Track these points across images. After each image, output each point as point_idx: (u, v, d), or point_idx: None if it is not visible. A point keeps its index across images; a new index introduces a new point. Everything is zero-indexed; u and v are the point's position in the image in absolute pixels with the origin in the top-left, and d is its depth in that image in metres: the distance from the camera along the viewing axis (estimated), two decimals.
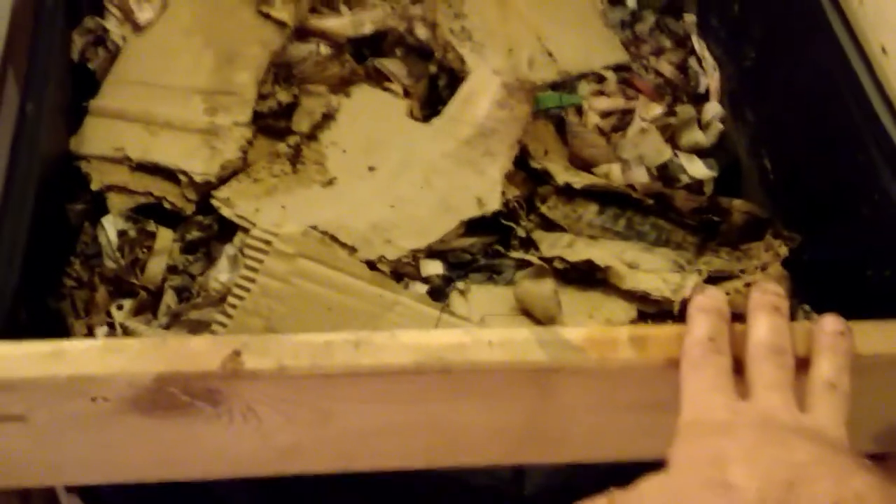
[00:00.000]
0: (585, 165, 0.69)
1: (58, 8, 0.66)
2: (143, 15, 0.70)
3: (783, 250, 0.66)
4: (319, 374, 0.42)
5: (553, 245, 0.64)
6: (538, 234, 0.65)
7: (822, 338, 0.44)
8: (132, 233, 0.64)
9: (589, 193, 0.67)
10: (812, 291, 0.64)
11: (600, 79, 0.71)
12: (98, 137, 0.66)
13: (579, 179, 0.67)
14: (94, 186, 0.64)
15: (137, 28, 0.70)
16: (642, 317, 0.62)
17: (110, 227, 0.64)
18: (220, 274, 0.63)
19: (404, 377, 0.42)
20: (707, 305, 0.44)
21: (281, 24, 0.70)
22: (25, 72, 0.60)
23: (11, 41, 0.59)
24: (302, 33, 0.71)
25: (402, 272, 0.63)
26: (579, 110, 0.70)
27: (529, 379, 0.43)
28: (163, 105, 0.67)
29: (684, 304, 0.57)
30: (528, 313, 0.61)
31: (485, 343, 0.42)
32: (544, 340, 0.42)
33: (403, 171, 0.67)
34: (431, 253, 0.64)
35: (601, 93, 0.71)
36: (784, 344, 0.43)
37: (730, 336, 0.43)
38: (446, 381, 0.43)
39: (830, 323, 0.45)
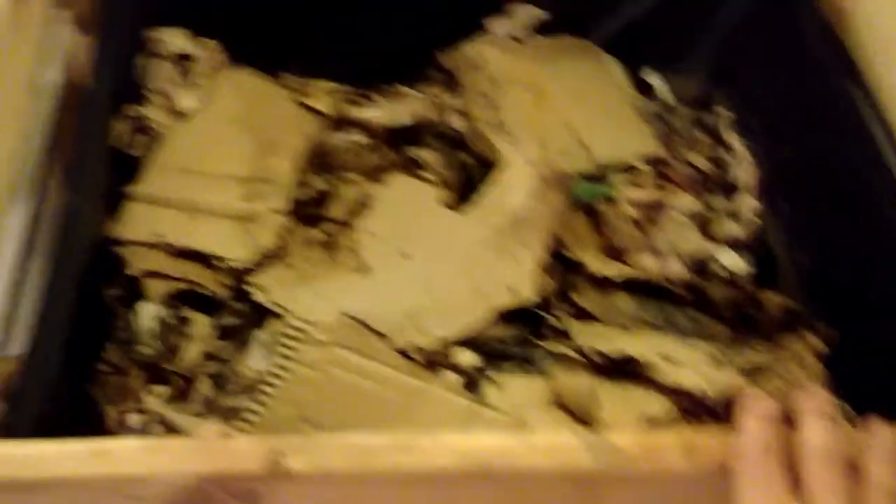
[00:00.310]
0: (619, 256, 0.69)
1: (100, 96, 0.67)
2: (184, 103, 0.71)
3: (818, 345, 0.66)
4: (362, 477, 0.42)
5: (587, 336, 0.64)
6: (572, 325, 0.64)
7: (873, 444, 0.44)
8: (168, 318, 0.64)
9: (623, 284, 0.67)
10: (848, 387, 0.63)
11: (634, 170, 0.72)
12: (137, 223, 0.66)
13: (613, 270, 0.67)
14: (132, 271, 0.65)
15: (178, 116, 0.71)
16: (679, 410, 0.61)
17: (146, 312, 0.64)
18: (254, 361, 0.63)
19: (448, 481, 0.42)
20: (759, 411, 0.44)
21: (320, 114, 0.72)
22: (68, 160, 0.61)
23: (55, 129, 0.60)
24: (340, 123, 0.72)
25: (435, 361, 0.62)
26: (613, 201, 0.70)
27: (576, 484, 0.42)
28: (201, 192, 0.68)
29: (729, 404, 0.57)
30: (565, 406, 0.60)
31: (531, 448, 0.41)
32: (592, 446, 0.41)
33: (437, 260, 0.67)
34: (464, 342, 0.63)
35: (635, 184, 0.71)
36: (838, 450, 0.43)
37: (782, 440, 0.43)
38: (491, 486, 0.42)
39: (881, 429, 0.44)
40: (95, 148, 0.65)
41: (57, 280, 0.56)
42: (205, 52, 0.73)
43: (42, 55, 0.60)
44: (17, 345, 0.53)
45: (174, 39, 0.73)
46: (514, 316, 0.65)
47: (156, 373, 0.63)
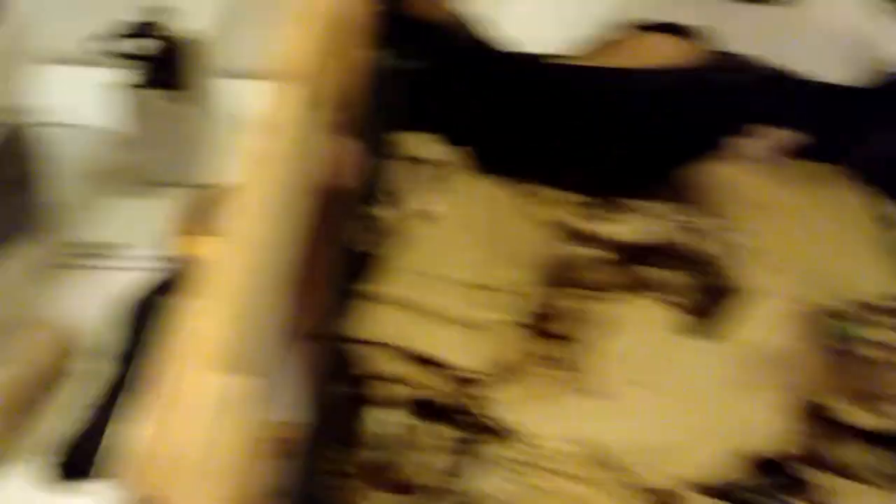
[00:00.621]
0: (872, 403, 0.64)
1: (355, 199, 0.68)
2: (422, 206, 0.71)
3: None
4: None
5: (840, 493, 0.59)
6: (823, 479, 0.60)
7: None
8: (394, 423, 0.64)
9: (876, 436, 0.62)
10: None
11: (887, 310, 0.67)
12: (370, 322, 0.66)
13: (867, 420, 0.62)
14: (362, 372, 0.64)
15: (415, 218, 0.71)
16: None
17: (373, 414, 0.64)
18: (479, 477, 0.61)
19: None
20: None
21: (555, 226, 0.70)
22: (327, 260, 0.62)
23: (314, 230, 0.61)
24: (575, 236, 0.71)
25: (670, 502, 0.59)
26: (866, 342, 0.66)
27: None
28: (433, 296, 0.67)
29: None
30: None
31: None
32: None
33: (674, 391, 0.63)
34: (701, 485, 0.60)
35: (889, 325, 0.66)
36: None
37: None
38: None
39: None
40: (347, 247, 0.66)
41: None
42: (443, 156, 0.74)
43: (307, 158, 0.62)
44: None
45: (415, 143, 0.74)
46: (758, 463, 0.61)
47: (378, 478, 0.62)
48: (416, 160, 0.73)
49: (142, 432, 0.51)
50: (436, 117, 0.75)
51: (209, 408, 0.49)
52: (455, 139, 0.75)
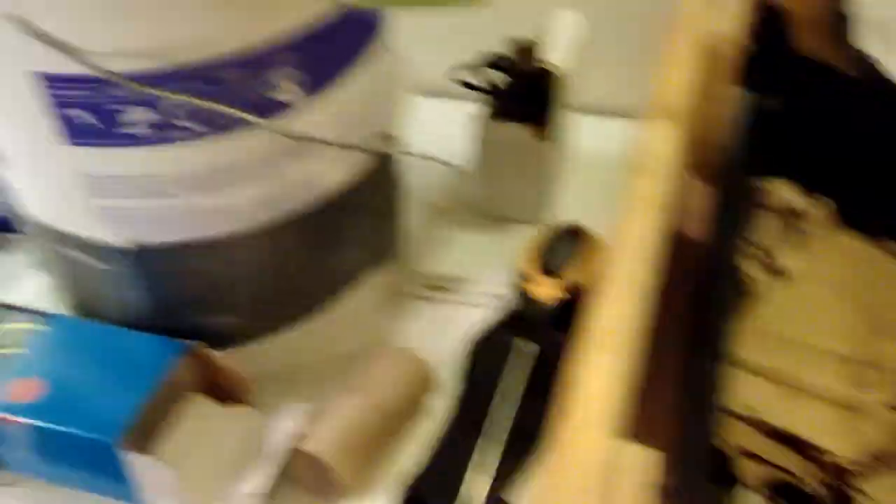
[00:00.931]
0: None
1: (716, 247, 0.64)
2: (785, 262, 0.65)
3: None
4: None
5: None
6: None
7: None
8: None
9: None
10: None
11: None
12: (728, 389, 0.61)
13: None
14: (722, 445, 0.59)
15: (776, 275, 0.65)
16: None
17: (736, 495, 0.59)
18: None
19: None
20: None
21: None
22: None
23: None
24: None
25: None
26: None
27: None
28: (800, 367, 0.61)
29: None
30: None
31: None
32: None
33: None
34: None
35: None
36: None
37: None
38: None
39: None
40: (698, 302, 0.61)
41: None
42: (814, 209, 0.67)
43: (676, 203, 0.58)
44: None
45: (783, 192, 0.67)
46: None
47: None
48: (770, 209, 0.67)
49: (527, 489, 0.48)
50: (796, 163, 0.68)
51: (603, 474, 0.46)
52: (816, 188, 0.68)
